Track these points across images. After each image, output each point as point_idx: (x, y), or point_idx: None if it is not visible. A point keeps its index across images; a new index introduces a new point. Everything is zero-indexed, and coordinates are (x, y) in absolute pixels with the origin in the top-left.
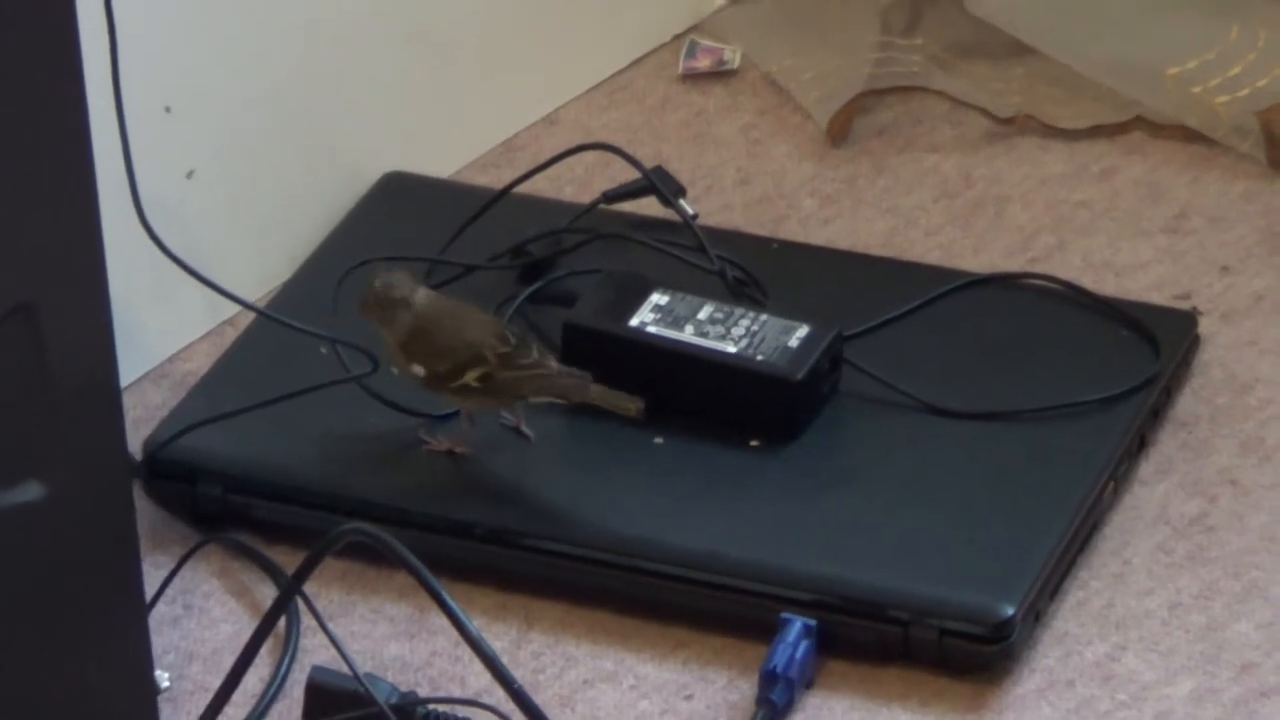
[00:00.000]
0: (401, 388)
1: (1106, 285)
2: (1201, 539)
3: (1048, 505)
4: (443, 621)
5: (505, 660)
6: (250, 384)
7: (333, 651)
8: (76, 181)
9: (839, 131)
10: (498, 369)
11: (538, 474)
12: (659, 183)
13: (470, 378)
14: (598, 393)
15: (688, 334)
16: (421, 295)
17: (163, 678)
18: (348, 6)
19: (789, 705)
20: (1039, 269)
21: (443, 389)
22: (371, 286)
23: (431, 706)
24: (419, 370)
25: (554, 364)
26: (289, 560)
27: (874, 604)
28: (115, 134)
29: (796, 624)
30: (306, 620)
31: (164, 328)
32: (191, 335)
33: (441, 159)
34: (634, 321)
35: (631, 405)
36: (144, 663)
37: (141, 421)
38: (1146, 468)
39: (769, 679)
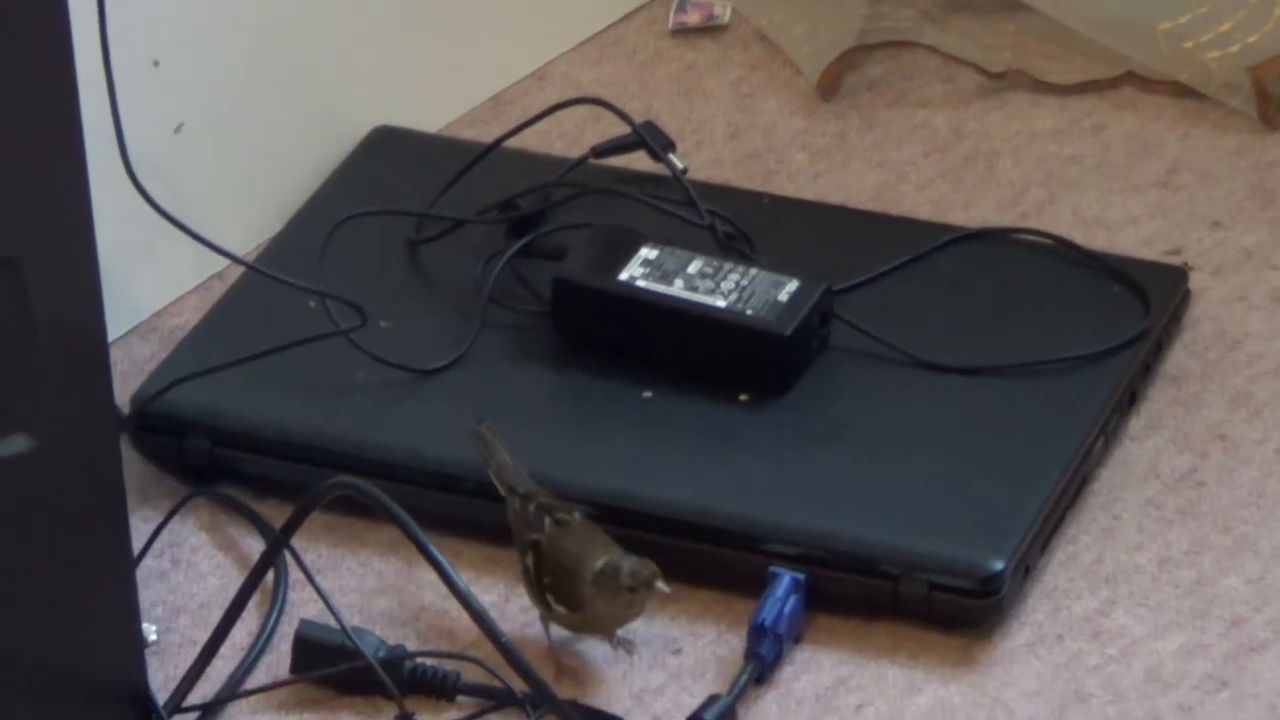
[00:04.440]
0: (389, 342)
1: (1097, 240)
2: (1191, 494)
3: (1038, 460)
4: (431, 575)
5: (494, 614)
6: (238, 338)
7: (320, 605)
8: (63, 136)
9: (829, 86)
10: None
11: (526, 428)
12: (648, 137)
13: None
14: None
15: (677, 288)
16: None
17: (150, 631)
18: None
19: (778, 659)
20: (1030, 224)
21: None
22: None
23: (419, 660)
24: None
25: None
26: (277, 514)
27: (863, 558)
28: (103, 88)
29: (785, 578)
30: (294, 574)
31: (152, 282)
32: (180, 289)
33: (431, 113)
34: (623, 276)
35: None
36: (131, 616)
37: (129, 375)
38: (1137, 423)
39: (758, 633)
